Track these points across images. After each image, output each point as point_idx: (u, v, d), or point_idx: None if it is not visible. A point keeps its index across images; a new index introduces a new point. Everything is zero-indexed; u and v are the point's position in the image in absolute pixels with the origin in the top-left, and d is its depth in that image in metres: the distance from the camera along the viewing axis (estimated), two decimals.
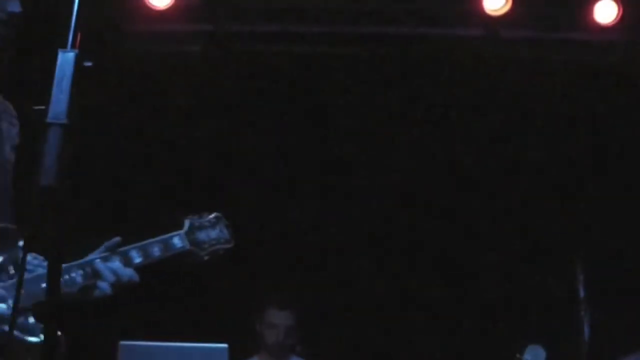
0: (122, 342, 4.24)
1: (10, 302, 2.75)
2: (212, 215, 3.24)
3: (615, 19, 6.02)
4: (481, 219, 7.13)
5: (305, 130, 7.11)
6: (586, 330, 4.72)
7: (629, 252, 6.73)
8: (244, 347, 5.91)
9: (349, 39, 6.51)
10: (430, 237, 7.13)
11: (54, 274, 2.19)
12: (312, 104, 7.02)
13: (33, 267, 2.87)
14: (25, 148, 3.05)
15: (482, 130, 7.02)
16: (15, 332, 2.74)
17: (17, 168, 2.98)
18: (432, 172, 7.14)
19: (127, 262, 2.98)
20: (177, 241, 3.11)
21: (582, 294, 4.73)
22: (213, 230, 3.21)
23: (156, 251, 3.05)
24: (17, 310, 2.58)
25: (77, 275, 2.90)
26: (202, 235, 3.18)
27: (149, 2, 5.98)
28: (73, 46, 2.23)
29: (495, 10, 5.99)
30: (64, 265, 2.80)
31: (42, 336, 2.70)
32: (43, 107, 2.22)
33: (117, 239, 2.99)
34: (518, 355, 4.54)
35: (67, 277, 2.87)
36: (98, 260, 2.94)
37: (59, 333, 2.74)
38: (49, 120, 2.17)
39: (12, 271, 2.87)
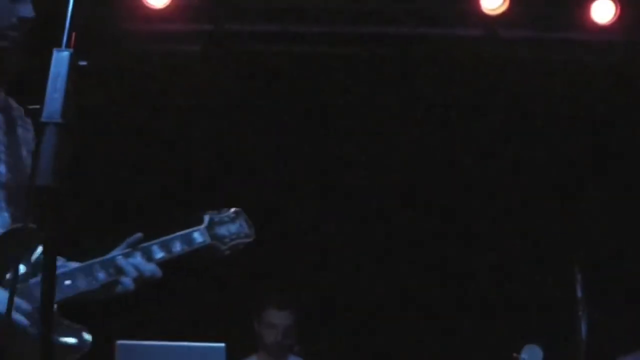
0: (119, 342, 4.24)
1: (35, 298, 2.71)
2: (232, 210, 3.25)
3: (613, 18, 6.03)
4: (479, 219, 7.13)
5: (305, 130, 7.11)
6: (584, 330, 4.72)
7: (628, 252, 6.74)
8: (241, 347, 5.92)
9: (348, 39, 6.52)
10: (429, 237, 7.13)
11: (49, 275, 2.19)
12: (311, 104, 7.02)
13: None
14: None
15: (482, 130, 7.02)
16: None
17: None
18: (432, 172, 7.14)
19: (149, 257, 2.98)
20: (197, 236, 3.12)
21: (579, 294, 4.73)
22: (233, 225, 3.23)
23: (177, 246, 3.05)
24: (10, 310, 2.49)
25: (99, 272, 2.91)
26: (222, 230, 3.19)
27: (146, 2, 5.98)
28: (68, 45, 2.23)
29: (493, 10, 5.99)
30: (86, 263, 2.89)
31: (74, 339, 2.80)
32: (38, 107, 2.22)
33: (139, 234, 2.99)
34: (515, 355, 4.55)
35: (89, 273, 2.89)
36: (120, 256, 2.95)
37: (87, 333, 2.82)
38: (43, 119, 2.17)
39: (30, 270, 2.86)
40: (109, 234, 3.08)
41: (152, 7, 5.99)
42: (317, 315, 6.91)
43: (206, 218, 3.18)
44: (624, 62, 6.37)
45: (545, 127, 6.96)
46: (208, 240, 3.15)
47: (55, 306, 2.74)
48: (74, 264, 2.91)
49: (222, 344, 4.35)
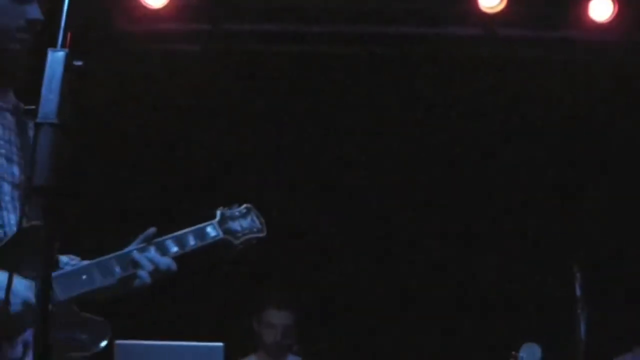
0: (118, 342, 4.24)
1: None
2: (243, 206, 3.35)
3: (611, 17, 6.02)
4: (479, 219, 7.12)
5: (304, 130, 7.10)
6: (582, 329, 4.72)
7: (627, 252, 6.74)
8: (241, 347, 5.92)
9: (347, 38, 6.53)
10: (429, 237, 7.12)
11: (46, 274, 2.19)
12: (310, 104, 7.02)
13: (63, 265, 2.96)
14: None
15: (481, 129, 7.01)
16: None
17: None
18: (432, 172, 7.13)
19: (164, 252, 3.03)
20: (210, 230, 3.18)
21: (578, 293, 4.73)
22: (244, 220, 3.30)
23: (191, 240, 3.11)
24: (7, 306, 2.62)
25: (115, 267, 2.95)
26: (234, 225, 3.26)
27: (144, 2, 5.98)
28: (63, 45, 2.24)
29: (491, 8, 5.99)
30: (102, 258, 2.94)
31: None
32: (33, 107, 2.23)
33: (153, 229, 3.05)
34: (514, 353, 4.55)
35: (105, 268, 2.93)
36: (135, 251, 3.00)
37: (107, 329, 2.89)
38: (38, 120, 2.18)
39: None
40: (108, 234, 3.09)
41: (150, 7, 5.99)
42: (317, 315, 6.91)
43: (218, 213, 3.25)
44: (622, 60, 6.37)
45: (543, 126, 6.95)
46: (221, 234, 3.21)
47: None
48: (87, 262, 2.95)
49: (221, 344, 4.35)
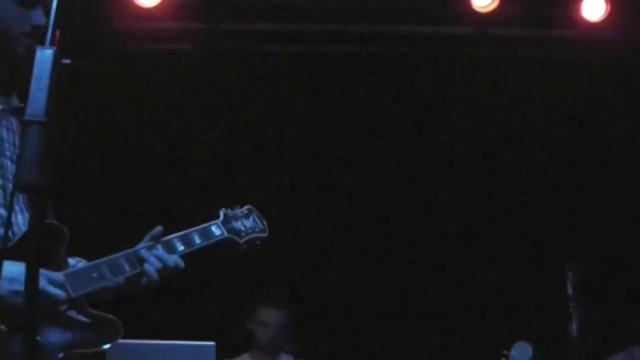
0: None
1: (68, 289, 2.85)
2: (245, 207, 3.42)
3: (604, 15, 6.03)
4: (479, 219, 7.11)
5: (303, 129, 7.09)
6: (574, 327, 4.73)
7: (626, 252, 6.74)
8: (233, 346, 5.92)
9: (345, 38, 6.53)
10: (429, 237, 7.10)
11: (33, 272, 2.19)
12: (308, 103, 7.01)
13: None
14: None
15: (482, 130, 7.00)
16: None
17: None
18: (432, 171, 7.12)
19: (171, 250, 3.10)
20: (215, 229, 3.26)
21: (570, 291, 4.74)
22: (247, 220, 3.37)
23: (197, 239, 3.18)
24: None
25: (124, 264, 3.01)
26: (237, 225, 3.33)
27: (137, 1, 5.96)
28: (52, 43, 2.23)
29: (483, 8, 5.99)
30: (110, 256, 3.00)
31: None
32: (22, 105, 2.22)
33: (160, 228, 3.10)
34: (505, 352, 4.55)
35: (114, 266, 2.99)
36: (143, 249, 3.05)
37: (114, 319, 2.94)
38: (27, 117, 2.18)
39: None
40: (108, 235, 3.11)
41: (142, 6, 5.97)
42: (317, 315, 6.91)
43: (221, 213, 3.32)
44: (615, 59, 6.37)
45: (540, 126, 6.95)
46: (225, 233, 3.28)
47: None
48: (97, 260, 3.00)
49: (212, 343, 4.35)
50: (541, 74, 6.56)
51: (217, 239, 3.24)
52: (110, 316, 2.95)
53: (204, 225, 3.23)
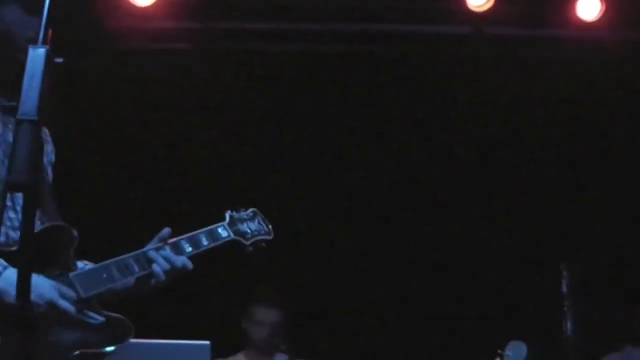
0: None
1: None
2: (249, 210, 3.46)
3: (599, 15, 6.03)
4: (479, 219, 7.10)
5: (301, 129, 7.09)
6: (569, 327, 4.73)
7: (625, 252, 6.74)
8: (228, 345, 5.91)
9: (334, 37, 6.53)
10: (429, 237, 7.10)
11: (25, 272, 2.19)
12: (304, 103, 7.01)
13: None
14: None
15: (482, 130, 7.00)
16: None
17: None
18: (432, 171, 7.12)
19: (179, 251, 3.15)
20: (222, 231, 3.31)
21: (565, 290, 4.74)
22: (252, 223, 3.43)
23: (204, 241, 3.23)
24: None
25: (133, 265, 3.07)
26: (243, 227, 3.39)
27: (131, 0, 5.96)
28: (44, 42, 2.23)
29: (478, 7, 6.00)
30: (119, 257, 3.05)
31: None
32: (15, 104, 2.23)
33: (168, 230, 3.16)
34: (500, 351, 4.55)
35: (124, 267, 3.05)
36: (151, 250, 3.10)
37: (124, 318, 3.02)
38: (19, 116, 2.18)
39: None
40: (107, 235, 3.12)
41: (137, 5, 5.97)
42: (317, 315, 6.91)
43: (227, 215, 3.37)
44: (611, 59, 6.37)
45: (536, 125, 6.95)
46: (232, 235, 3.33)
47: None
48: (106, 261, 3.06)
49: (207, 342, 4.35)
50: (536, 74, 6.56)
51: (223, 240, 3.29)
52: (121, 316, 3.03)
53: (210, 227, 3.28)
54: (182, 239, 3.18)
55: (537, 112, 6.85)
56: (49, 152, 3.17)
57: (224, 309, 6.39)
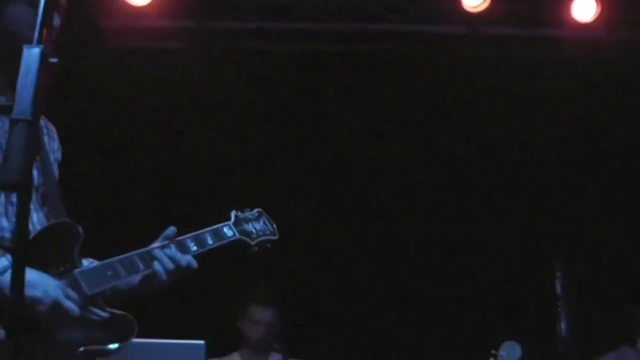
0: None
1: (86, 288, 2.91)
2: (255, 210, 3.47)
3: (594, 15, 6.04)
4: (474, 218, 7.11)
5: (301, 128, 7.09)
6: (563, 327, 4.74)
7: (612, 251, 6.75)
8: (223, 345, 5.91)
9: (329, 36, 6.53)
10: (429, 237, 7.10)
11: (19, 273, 2.19)
12: (303, 102, 7.01)
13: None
14: None
15: (482, 129, 7.00)
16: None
17: None
18: (432, 171, 7.12)
19: (184, 250, 3.15)
20: (227, 230, 3.31)
21: (559, 291, 4.75)
22: (257, 223, 3.44)
23: (209, 240, 3.24)
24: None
25: (138, 263, 3.07)
26: (248, 227, 3.39)
27: (128, 0, 5.97)
28: (39, 42, 2.24)
29: (474, 7, 6.00)
30: (124, 255, 3.06)
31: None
32: (10, 104, 2.23)
33: (173, 228, 3.16)
34: (494, 352, 4.56)
35: (128, 264, 3.05)
36: (157, 248, 3.11)
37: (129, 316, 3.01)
38: (13, 116, 2.18)
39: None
40: (107, 235, 3.13)
41: (133, 5, 5.97)
42: (316, 315, 6.91)
43: (232, 215, 3.37)
44: (606, 59, 6.38)
45: (534, 125, 6.95)
46: (237, 235, 3.34)
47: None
48: (111, 259, 3.06)
49: (202, 341, 4.35)
50: (534, 74, 6.56)
51: (228, 240, 3.30)
52: (125, 313, 3.02)
53: (215, 226, 3.29)
54: (188, 237, 3.18)
55: (536, 112, 6.86)
56: (55, 149, 3.18)
57: (219, 308, 6.39)
